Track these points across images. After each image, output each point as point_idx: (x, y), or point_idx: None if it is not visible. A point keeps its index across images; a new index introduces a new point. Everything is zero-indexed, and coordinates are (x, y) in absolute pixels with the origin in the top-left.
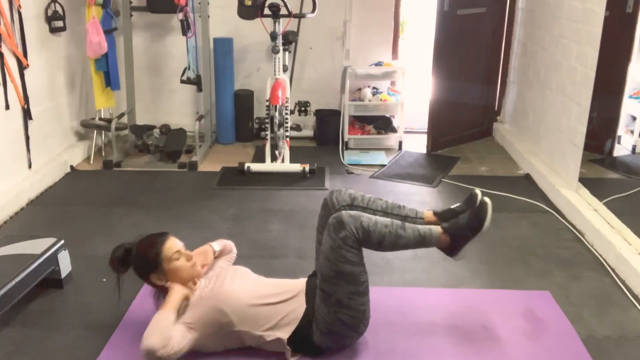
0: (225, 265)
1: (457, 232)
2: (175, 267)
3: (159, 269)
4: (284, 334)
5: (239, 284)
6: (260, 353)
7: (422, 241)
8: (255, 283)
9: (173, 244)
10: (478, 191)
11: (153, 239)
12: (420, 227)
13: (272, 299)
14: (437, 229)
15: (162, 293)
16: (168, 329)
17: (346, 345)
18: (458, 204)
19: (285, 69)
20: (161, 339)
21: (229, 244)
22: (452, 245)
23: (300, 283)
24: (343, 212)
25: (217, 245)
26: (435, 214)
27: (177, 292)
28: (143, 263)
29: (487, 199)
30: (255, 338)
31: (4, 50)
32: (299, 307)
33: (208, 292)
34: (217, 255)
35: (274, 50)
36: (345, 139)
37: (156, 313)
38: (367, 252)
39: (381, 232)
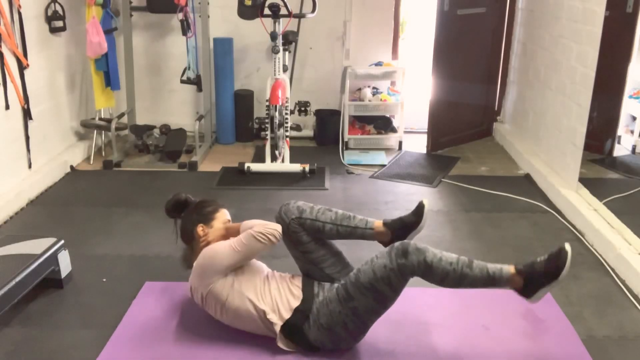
0: None
1: (532, 277)
2: (220, 228)
3: (209, 223)
4: (279, 319)
5: (256, 262)
6: (252, 339)
7: (491, 281)
8: (270, 274)
9: (227, 213)
10: (568, 246)
11: (214, 200)
12: (490, 266)
13: (279, 286)
14: (509, 269)
15: (191, 252)
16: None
17: (340, 349)
18: (407, 214)
19: (285, 69)
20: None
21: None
22: (526, 288)
23: (298, 278)
24: (411, 242)
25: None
26: (385, 224)
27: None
28: (200, 211)
29: (568, 247)
30: (258, 310)
31: (4, 50)
32: (296, 300)
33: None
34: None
35: (274, 50)
36: (345, 139)
37: (247, 233)
38: (367, 252)
39: (445, 269)
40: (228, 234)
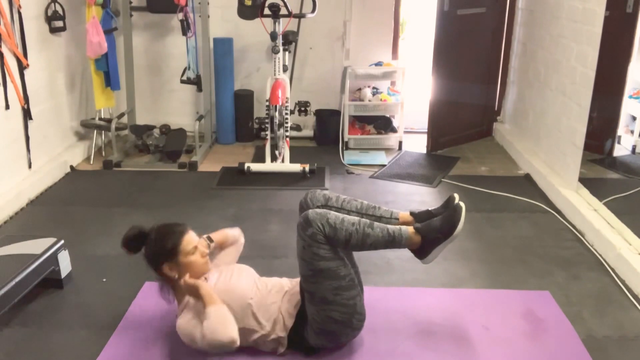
0: (230, 259)
1: (429, 233)
2: (189, 261)
3: (173, 260)
4: (283, 332)
5: (245, 281)
6: (251, 348)
7: (391, 241)
8: (259, 281)
9: (191, 238)
10: (456, 195)
11: (172, 228)
12: (390, 226)
13: (273, 297)
14: (407, 229)
15: (167, 285)
16: (230, 317)
17: (343, 343)
18: (436, 207)
19: (285, 69)
20: (234, 328)
21: (232, 233)
22: (422, 247)
23: (297, 282)
24: (309, 210)
25: (215, 235)
26: (412, 214)
27: (204, 286)
28: (159, 250)
29: (462, 203)
30: (259, 336)
31: (4, 50)
32: (296, 305)
33: (218, 287)
34: (222, 246)
35: (274, 50)
36: (345, 139)
37: (209, 309)
38: (367, 252)
39: (348, 229)
40: (206, 260)
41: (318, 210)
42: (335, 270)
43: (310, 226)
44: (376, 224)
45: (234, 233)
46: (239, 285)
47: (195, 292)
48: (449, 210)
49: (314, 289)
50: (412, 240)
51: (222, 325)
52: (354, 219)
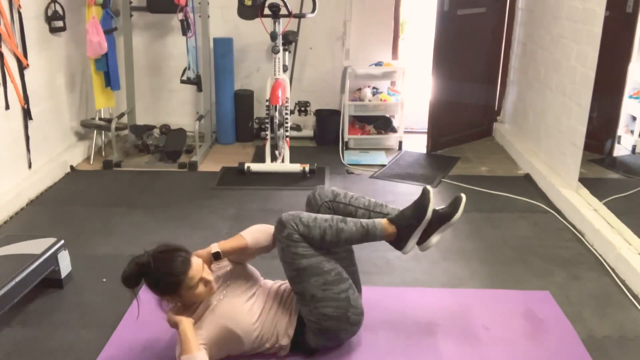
0: (244, 258)
1: (402, 221)
2: (192, 294)
3: (175, 294)
4: (285, 340)
5: (251, 302)
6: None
7: (365, 233)
8: (262, 294)
9: (196, 271)
10: (430, 188)
11: (173, 260)
12: (363, 220)
13: (276, 312)
14: (381, 220)
15: (164, 301)
16: None
17: (344, 340)
18: (443, 207)
19: (285, 69)
20: None
21: (258, 233)
22: (398, 237)
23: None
24: (283, 214)
25: (228, 244)
26: None
27: (184, 329)
28: (160, 285)
29: (429, 187)
30: (262, 350)
31: (4, 50)
32: (295, 311)
33: (221, 308)
34: (244, 251)
35: (274, 50)
36: (345, 139)
37: (182, 358)
38: (367, 252)
39: (321, 226)
40: (211, 287)
41: (291, 212)
42: (317, 266)
43: (284, 227)
44: (349, 218)
45: (257, 234)
46: (243, 310)
47: (176, 328)
48: (418, 197)
49: (302, 288)
50: (386, 231)
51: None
52: (327, 216)
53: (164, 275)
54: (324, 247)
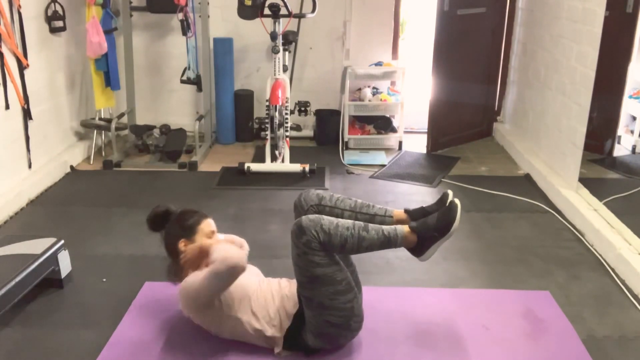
0: None
1: (425, 232)
2: (205, 244)
3: (190, 238)
4: (279, 332)
5: (249, 276)
6: (249, 348)
7: (387, 242)
8: (263, 283)
9: (212, 223)
10: (450, 192)
11: (195, 211)
12: (384, 227)
13: (272, 298)
14: (403, 228)
15: (175, 269)
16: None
17: (342, 344)
18: (430, 204)
19: (285, 69)
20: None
21: (238, 240)
22: (419, 246)
23: (294, 282)
24: (303, 217)
25: (223, 237)
26: (407, 211)
27: (205, 242)
28: (181, 225)
29: (456, 200)
30: (253, 331)
31: (4, 50)
32: (294, 307)
33: None
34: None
35: (274, 50)
36: (345, 139)
37: (214, 247)
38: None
39: (343, 234)
40: (201, 254)
41: (311, 216)
42: (331, 276)
43: (304, 234)
44: (371, 225)
45: (240, 239)
46: (242, 278)
47: (198, 254)
48: (444, 208)
49: (311, 294)
50: (407, 239)
51: (231, 250)
52: (348, 222)
53: (186, 214)
54: (342, 254)
